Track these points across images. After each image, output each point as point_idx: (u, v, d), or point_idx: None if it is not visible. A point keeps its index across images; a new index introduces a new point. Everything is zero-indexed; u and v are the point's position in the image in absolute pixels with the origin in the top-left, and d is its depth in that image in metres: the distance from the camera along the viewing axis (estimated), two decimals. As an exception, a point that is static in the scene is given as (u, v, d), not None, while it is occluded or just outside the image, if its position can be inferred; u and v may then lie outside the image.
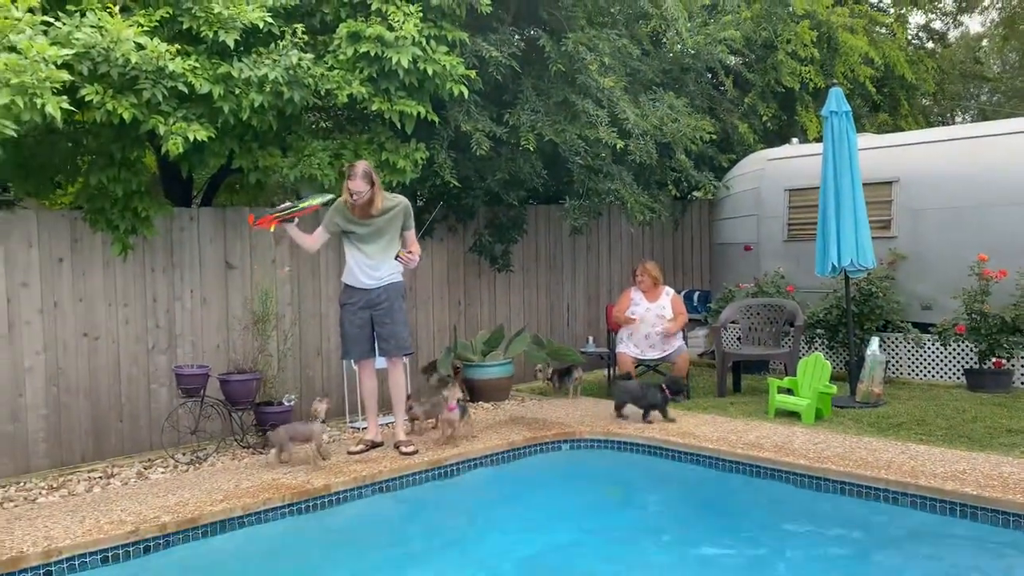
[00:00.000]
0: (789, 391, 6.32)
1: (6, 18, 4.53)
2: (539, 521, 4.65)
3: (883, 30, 11.55)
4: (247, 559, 4.17)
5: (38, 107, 4.41)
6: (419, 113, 6.24)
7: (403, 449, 5.47)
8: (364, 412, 5.94)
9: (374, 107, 6.09)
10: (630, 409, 6.22)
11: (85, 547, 3.94)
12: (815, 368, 6.20)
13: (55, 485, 5.15)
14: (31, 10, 4.71)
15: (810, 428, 5.83)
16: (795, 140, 9.25)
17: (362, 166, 5.49)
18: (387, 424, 6.21)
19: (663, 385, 6.18)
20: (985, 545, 4.02)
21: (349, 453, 5.52)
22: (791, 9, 9.69)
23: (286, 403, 5.97)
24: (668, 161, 8.42)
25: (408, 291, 7.62)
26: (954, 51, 13.71)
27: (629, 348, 7.12)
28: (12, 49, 4.47)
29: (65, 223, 6.00)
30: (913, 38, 12.92)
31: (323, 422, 5.34)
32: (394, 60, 5.92)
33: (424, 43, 6.11)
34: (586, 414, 6.49)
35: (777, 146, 9.46)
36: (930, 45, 12.99)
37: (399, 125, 6.27)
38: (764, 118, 9.82)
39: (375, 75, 6.06)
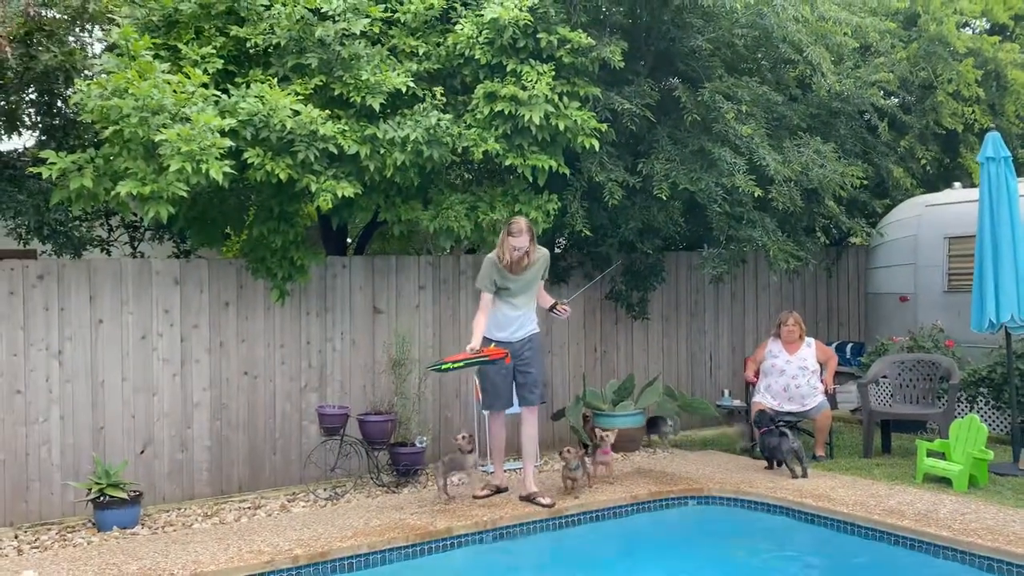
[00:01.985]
0: (941, 455, 5.84)
1: (182, 93, 5.12)
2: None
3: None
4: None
5: (203, 171, 4.93)
6: (551, 166, 6.40)
7: (540, 501, 5.44)
8: (492, 457, 6.03)
9: (508, 162, 6.31)
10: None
11: (226, 573, 4.28)
12: (970, 431, 5.71)
13: (209, 513, 5.62)
14: (204, 85, 5.30)
15: (961, 496, 5.36)
16: (957, 184, 8.63)
17: (525, 222, 5.59)
18: (514, 470, 6.30)
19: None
20: None
21: (475, 497, 5.62)
22: (952, 48, 9.11)
23: (418, 444, 6.21)
24: (816, 207, 8.10)
25: (544, 336, 7.76)
26: None
27: (766, 399, 6.85)
28: (186, 120, 5.05)
29: (232, 270, 6.60)
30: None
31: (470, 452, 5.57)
32: (526, 117, 6.12)
33: (556, 100, 6.28)
34: (717, 470, 6.29)
35: (939, 191, 8.86)
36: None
37: (532, 178, 6.45)
38: (923, 161, 9.23)
39: (509, 132, 6.28)
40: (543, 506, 5.38)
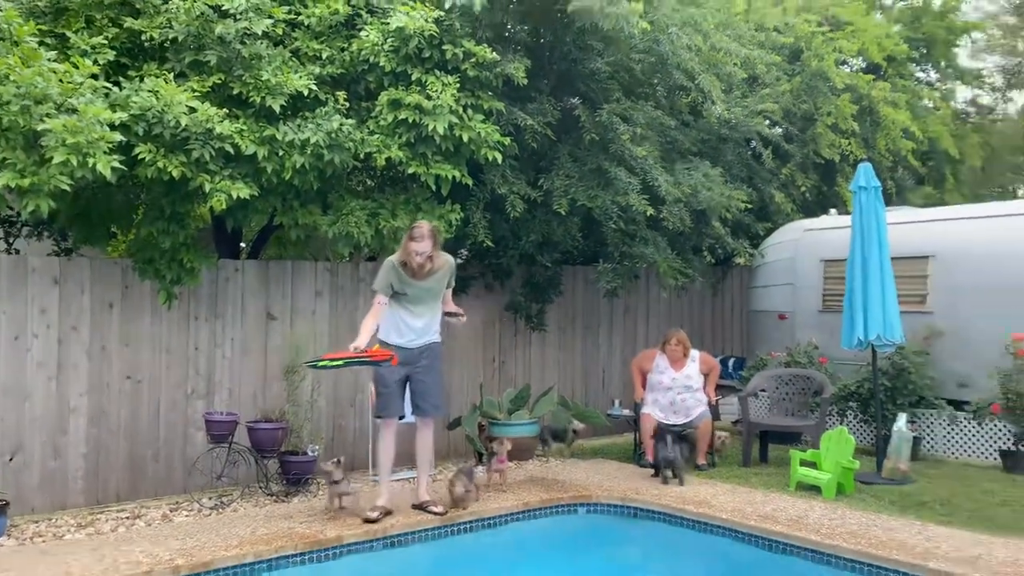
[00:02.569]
0: (813, 464, 6.19)
1: (69, 83, 4.89)
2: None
3: (928, 103, 11.47)
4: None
5: (89, 165, 4.72)
6: (454, 176, 6.44)
7: (433, 510, 5.37)
8: (379, 473, 5.67)
9: (411, 170, 6.31)
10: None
11: (100, 584, 4.08)
12: (839, 442, 6.08)
13: (83, 523, 5.34)
14: (94, 76, 5.08)
15: (829, 503, 5.69)
16: (833, 211, 9.20)
17: (428, 227, 5.43)
18: (408, 479, 6.26)
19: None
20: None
21: (365, 520, 5.21)
22: (831, 83, 9.73)
23: (310, 453, 6.09)
24: (703, 228, 8.45)
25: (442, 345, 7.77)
26: (1006, 126, 13.54)
27: (654, 411, 7.09)
28: (72, 111, 4.82)
29: (117, 271, 6.31)
30: (960, 112, 12.79)
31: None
32: (431, 127, 6.15)
33: (461, 111, 6.34)
34: (606, 478, 6.45)
35: (816, 216, 9.41)
36: (977, 119, 12.85)
37: (435, 187, 6.48)
38: (802, 188, 9.80)
39: (413, 140, 6.29)
40: (435, 514, 5.34)
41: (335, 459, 5.47)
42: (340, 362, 5.25)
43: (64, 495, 5.99)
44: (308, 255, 8.95)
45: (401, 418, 5.64)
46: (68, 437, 6.05)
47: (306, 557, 4.71)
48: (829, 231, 8.57)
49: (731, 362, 9.39)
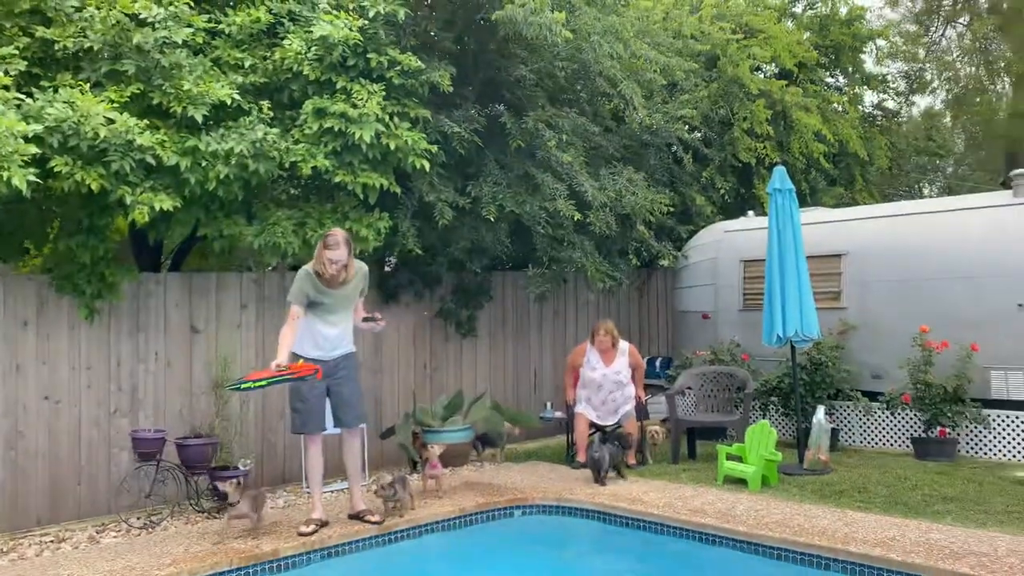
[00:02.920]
0: (739, 458, 6.44)
1: (-21, 95, 4.74)
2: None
3: (837, 107, 12.03)
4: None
5: (3, 179, 4.59)
6: (382, 185, 6.47)
7: (369, 519, 5.35)
8: (310, 486, 5.55)
9: (338, 179, 6.31)
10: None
11: (26, 611, 3.97)
12: (762, 435, 6.35)
13: (4, 549, 5.17)
14: (4, 87, 4.93)
15: (755, 495, 5.94)
16: (751, 213, 9.56)
17: (342, 234, 5.34)
18: (340, 491, 6.26)
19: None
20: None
21: (300, 535, 5.14)
22: (746, 89, 10.13)
23: (241, 468, 6.03)
24: (629, 231, 8.68)
25: (373, 355, 7.78)
26: (910, 128, 14.30)
27: (588, 411, 7.26)
28: (-17, 124, 4.68)
29: (32, 287, 6.12)
30: (867, 116, 13.45)
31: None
32: (357, 135, 6.17)
33: (387, 119, 6.38)
34: (541, 480, 6.57)
35: (735, 218, 9.76)
36: (884, 122, 13.54)
37: (363, 196, 6.49)
38: (722, 191, 10.16)
39: (339, 149, 6.29)
40: (372, 523, 5.34)
41: (235, 480, 5.29)
42: (264, 382, 5.06)
43: (-20, 522, 5.77)
44: (231, 267, 8.82)
45: (324, 430, 5.53)
46: (-17, 462, 5.83)
47: (242, 572, 4.67)
48: (748, 232, 8.92)
49: (658, 362, 9.66)
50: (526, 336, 9.29)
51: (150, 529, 5.56)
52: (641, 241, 8.73)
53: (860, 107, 13.09)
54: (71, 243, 5.88)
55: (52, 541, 5.35)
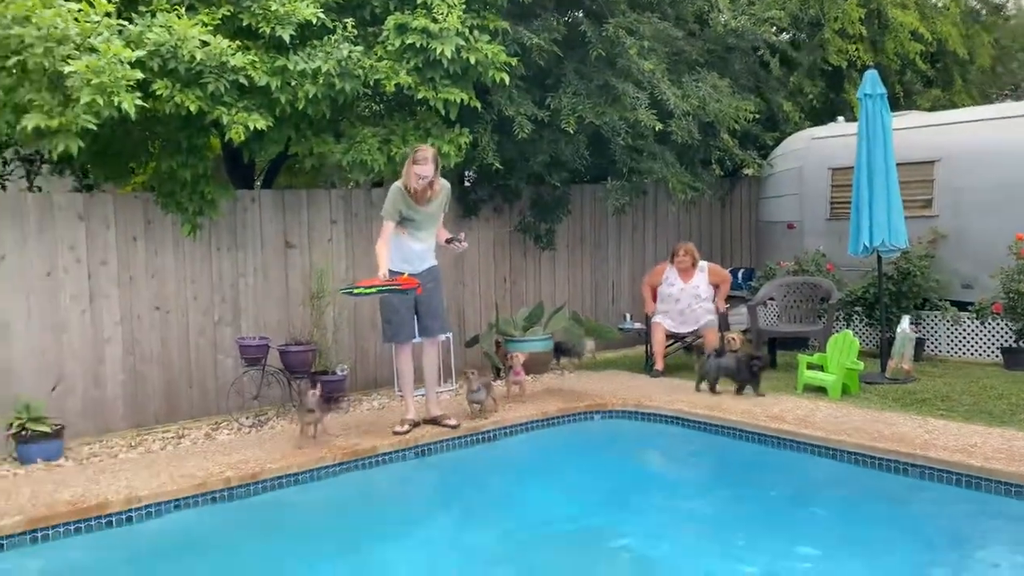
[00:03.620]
0: (819, 367, 6.55)
1: (86, 22, 5.05)
2: (565, 483, 5.04)
3: (936, 3, 11.41)
4: (300, 510, 4.70)
5: (115, 104, 4.94)
6: (462, 100, 6.61)
7: (446, 423, 5.74)
8: (403, 391, 6.04)
9: (420, 95, 6.48)
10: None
11: (160, 496, 4.51)
12: (844, 345, 6.42)
13: (134, 444, 5.78)
14: (108, 14, 5.24)
15: (834, 403, 6.08)
16: (840, 119, 9.32)
17: (430, 151, 5.59)
18: (420, 395, 6.67)
19: (746, 360, 6.33)
20: (983, 513, 4.27)
21: (395, 434, 5.59)
22: (839, -14, 9.72)
23: (339, 373, 6.48)
24: (712, 140, 8.63)
25: (455, 268, 8.09)
26: (1016, 24, 13.41)
27: (665, 321, 7.46)
28: (92, 50, 5.01)
29: (139, 205, 6.58)
30: (969, 11, 12.67)
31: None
32: (438, 51, 6.29)
33: (467, 33, 6.47)
34: (619, 387, 6.84)
35: (824, 124, 9.54)
36: (987, 18, 12.73)
37: (443, 112, 6.66)
38: (810, 96, 9.89)
39: (421, 65, 6.44)
40: (448, 427, 5.72)
41: (313, 389, 5.61)
42: (373, 289, 5.48)
43: (107, 421, 6.41)
44: (318, 184, 9.19)
45: (414, 338, 5.91)
46: (106, 366, 6.43)
47: (345, 466, 5.14)
48: (836, 139, 8.74)
49: (740, 273, 9.68)
50: (604, 249, 9.44)
51: (259, 428, 6.10)
52: (725, 150, 8.68)
53: (962, 2, 12.34)
54: (172, 163, 6.26)
55: (173, 437, 5.94)
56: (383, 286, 5.43)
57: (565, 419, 6.15)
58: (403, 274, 5.60)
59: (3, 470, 5.18)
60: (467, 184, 8.57)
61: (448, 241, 5.97)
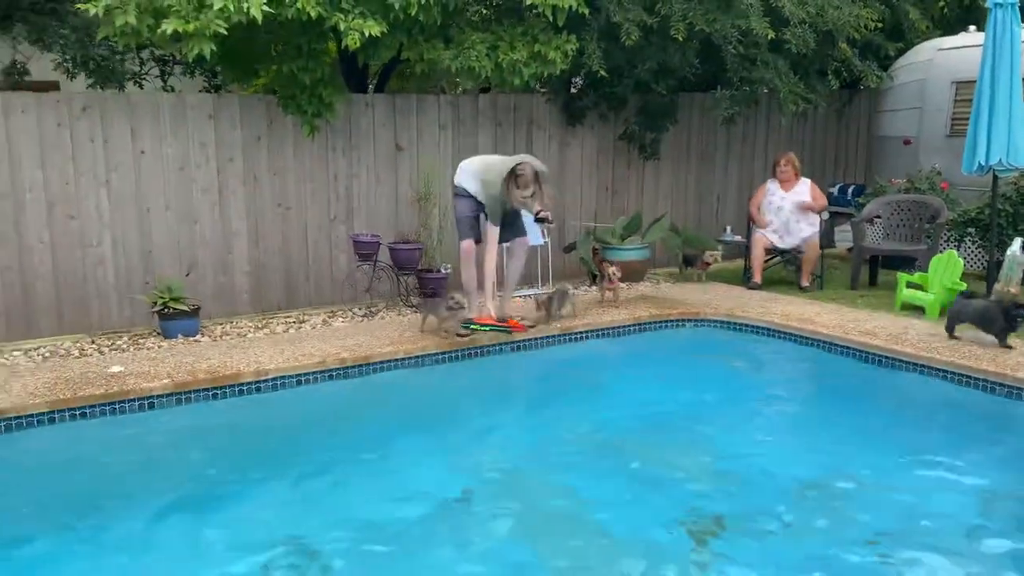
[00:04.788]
0: (920, 287, 6.56)
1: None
2: (650, 384, 5.38)
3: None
4: (405, 389, 5.24)
5: (244, 9, 5.36)
6: (570, 6, 6.73)
7: (523, 322, 6.07)
8: (482, 291, 6.21)
9: (528, 0, 6.64)
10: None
11: (285, 371, 5.13)
12: (947, 265, 6.39)
13: (259, 326, 6.45)
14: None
15: (930, 322, 6.12)
16: (972, 28, 8.86)
17: (530, 171, 5.66)
18: (525, 296, 7.07)
19: (1006, 309, 5.41)
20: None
21: (458, 336, 5.83)
22: None
23: (443, 271, 6.95)
24: (829, 50, 8.41)
25: (558, 174, 8.34)
26: None
27: (766, 234, 7.56)
28: (223, -42, 5.41)
29: (262, 106, 7.10)
30: None
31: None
32: (547, -45, 6.40)
33: (577, -63, 6.53)
34: (714, 297, 7.06)
35: (953, 34, 9.10)
36: None
37: (551, 17, 6.80)
38: (940, 3, 9.40)
39: (530, -30, 6.57)
40: (522, 328, 6.01)
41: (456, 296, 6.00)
42: (487, 327, 5.85)
43: (234, 305, 7.13)
44: (426, 89, 9.51)
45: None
46: (233, 256, 7.11)
47: (446, 356, 5.64)
48: (964, 50, 8.36)
49: (850, 189, 9.54)
50: (711, 160, 9.45)
51: (370, 318, 6.67)
52: (843, 60, 8.45)
53: None
54: (293, 67, 6.70)
55: (294, 322, 6.59)
56: (496, 326, 5.86)
57: (657, 325, 6.45)
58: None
59: (150, 342, 5.94)
60: (573, 91, 8.70)
61: (537, 219, 6.13)
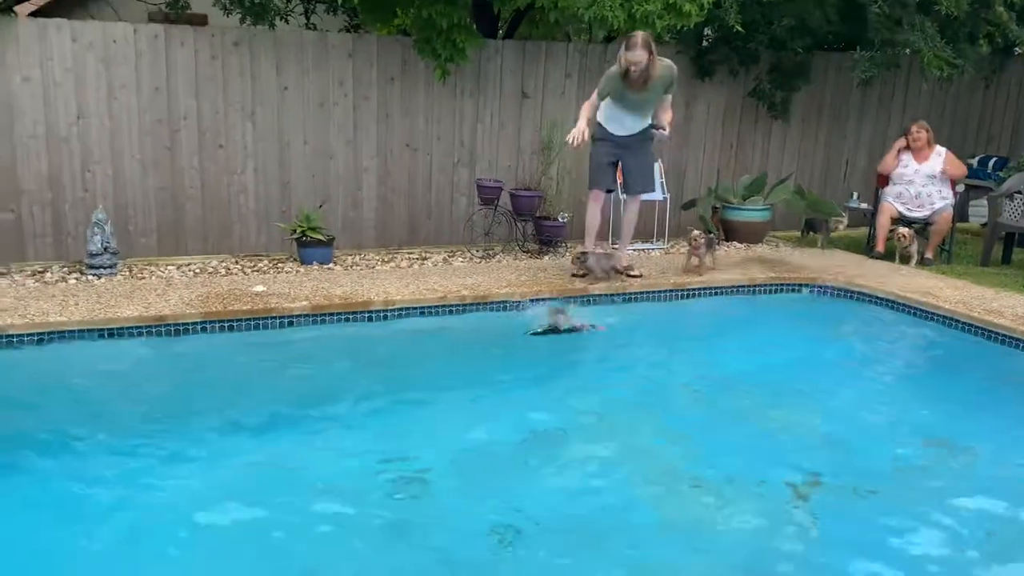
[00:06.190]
0: (1057, 268, 6.40)
1: None
2: (762, 344, 5.53)
3: None
4: (518, 329, 5.56)
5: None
6: (710, -42, 6.75)
7: (632, 273, 6.32)
8: (585, 238, 6.48)
9: (666, -49, 6.70)
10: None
11: (410, 303, 5.57)
12: (1089, 248, 6.21)
13: (386, 260, 6.94)
14: None
15: (1066, 305, 5.99)
16: None
17: (641, 36, 5.74)
18: (645, 249, 7.28)
19: None
20: None
21: (572, 276, 6.31)
22: None
23: (560, 220, 7.23)
24: (983, 12, 8.10)
25: (681, 129, 8.43)
26: None
27: (895, 204, 7.47)
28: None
29: (397, 48, 7.47)
30: None
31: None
32: (690, -96, 6.43)
33: None
34: (834, 264, 7.07)
35: None
36: None
37: (689, -31, 6.83)
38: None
39: (672, -81, 6.61)
40: (633, 277, 6.27)
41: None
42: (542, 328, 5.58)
43: (361, 239, 7.64)
44: (556, 36, 9.68)
45: (609, 191, 6.43)
46: (362, 192, 7.59)
47: (558, 301, 5.93)
48: None
49: (991, 162, 9.22)
50: (843, 123, 9.30)
51: (487, 259, 7.05)
52: (997, 24, 8.12)
53: None
54: (431, 11, 7.01)
55: (417, 258, 7.04)
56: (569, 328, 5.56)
57: (772, 287, 6.55)
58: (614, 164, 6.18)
59: (288, 267, 6.51)
60: (705, 44, 8.70)
61: (652, 127, 6.23)
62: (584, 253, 6.18)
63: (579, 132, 5.78)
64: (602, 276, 6.17)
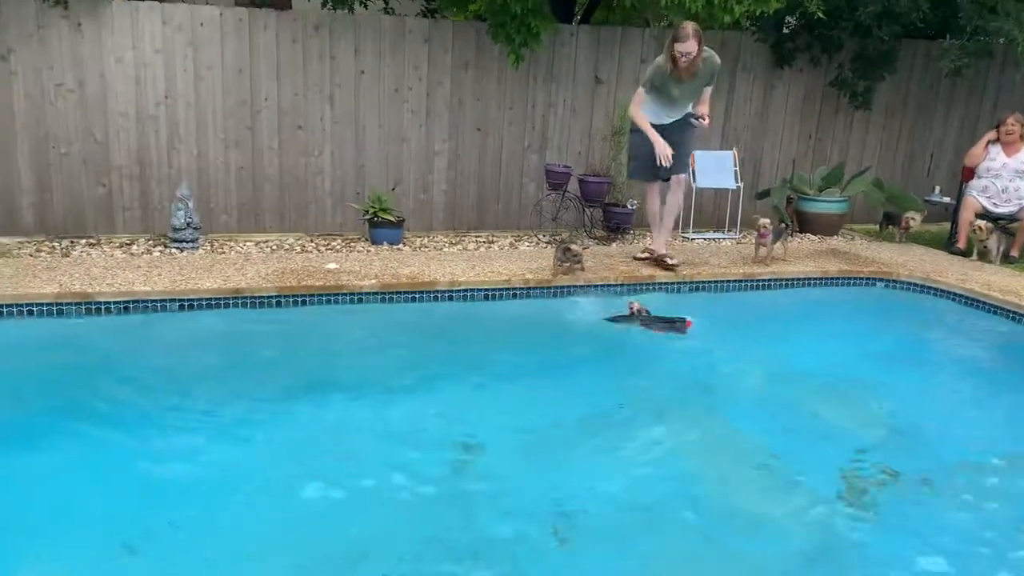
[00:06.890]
0: None
1: None
2: (833, 336, 5.46)
3: None
4: (580, 314, 5.64)
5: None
6: (791, -57, 6.67)
7: (668, 261, 6.23)
8: (651, 228, 6.58)
9: (747, -63, 6.64)
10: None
11: (475, 284, 5.70)
12: None
13: (454, 242, 7.09)
14: None
15: None
16: None
17: (692, 27, 5.69)
18: (715, 239, 7.24)
19: None
20: None
21: (634, 259, 6.47)
22: None
23: (629, 206, 7.25)
24: (1086, -1, 7.76)
25: (759, 118, 8.33)
26: None
27: (979, 199, 7.25)
28: None
29: (472, 33, 7.59)
30: None
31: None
32: None
33: None
34: (911, 259, 6.92)
35: None
36: None
37: (769, -45, 6.76)
38: None
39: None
40: (669, 267, 6.18)
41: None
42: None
43: (430, 222, 7.81)
44: (632, 22, 9.65)
45: (657, 180, 6.37)
46: (433, 176, 7.76)
47: (624, 288, 5.99)
48: None
49: (1090, 158, 8.82)
50: (929, 114, 9.04)
51: (554, 245, 7.10)
52: (1099, 12, 7.77)
53: None
54: (506, -4, 7.10)
55: (484, 242, 7.18)
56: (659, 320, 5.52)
57: (845, 280, 6.46)
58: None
59: (359, 246, 6.73)
60: (785, 31, 8.57)
61: (691, 115, 6.15)
62: (568, 248, 6.02)
63: (664, 148, 5.91)
64: (563, 270, 6.03)
